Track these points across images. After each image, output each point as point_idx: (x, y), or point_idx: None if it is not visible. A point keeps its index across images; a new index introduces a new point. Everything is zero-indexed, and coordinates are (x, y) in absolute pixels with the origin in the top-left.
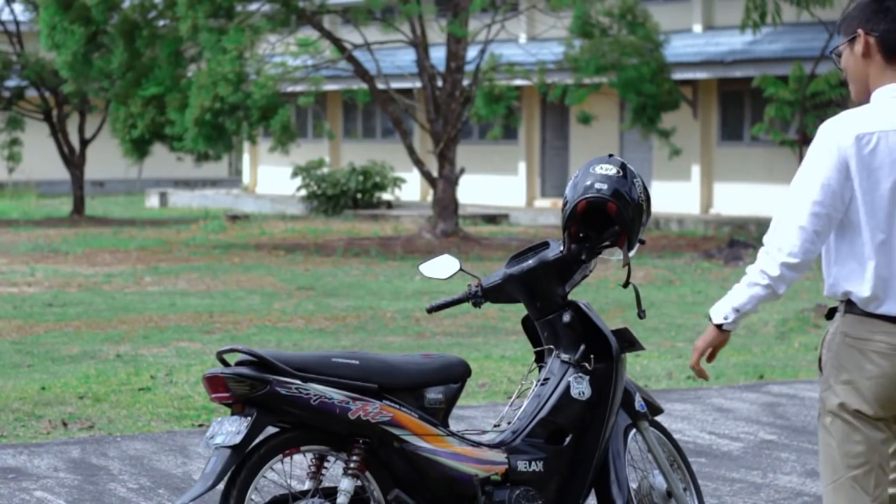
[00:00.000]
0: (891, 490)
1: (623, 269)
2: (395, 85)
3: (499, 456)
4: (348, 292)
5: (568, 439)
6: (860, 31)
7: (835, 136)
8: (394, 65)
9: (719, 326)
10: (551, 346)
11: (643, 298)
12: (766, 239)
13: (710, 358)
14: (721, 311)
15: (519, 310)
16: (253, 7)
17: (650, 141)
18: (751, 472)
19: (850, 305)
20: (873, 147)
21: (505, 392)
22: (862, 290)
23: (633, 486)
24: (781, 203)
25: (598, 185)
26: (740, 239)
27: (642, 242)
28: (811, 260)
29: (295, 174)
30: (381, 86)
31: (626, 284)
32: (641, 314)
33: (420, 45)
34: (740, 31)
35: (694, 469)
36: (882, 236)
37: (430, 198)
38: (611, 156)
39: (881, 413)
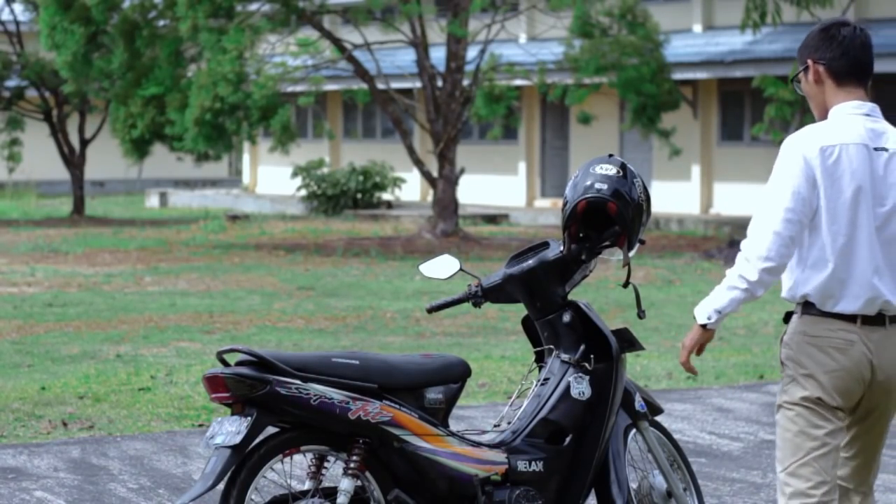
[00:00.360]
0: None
1: (623, 269)
2: (395, 85)
3: (499, 456)
4: (348, 292)
5: (568, 439)
6: (809, 60)
7: (801, 148)
8: (394, 65)
9: (703, 326)
10: (551, 346)
11: (643, 298)
12: (743, 245)
13: (699, 352)
14: (704, 312)
15: (519, 310)
16: (253, 7)
17: (650, 141)
18: (751, 472)
19: (807, 307)
20: (836, 158)
21: (505, 392)
22: (820, 290)
23: (633, 486)
24: (756, 211)
25: (598, 185)
26: (740, 239)
27: (642, 242)
28: (786, 263)
29: (295, 174)
30: (381, 86)
31: (626, 284)
32: (641, 314)
33: (420, 45)
34: (740, 31)
35: (694, 469)
36: (843, 240)
37: (430, 198)
38: (611, 156)
39: (840, 403)
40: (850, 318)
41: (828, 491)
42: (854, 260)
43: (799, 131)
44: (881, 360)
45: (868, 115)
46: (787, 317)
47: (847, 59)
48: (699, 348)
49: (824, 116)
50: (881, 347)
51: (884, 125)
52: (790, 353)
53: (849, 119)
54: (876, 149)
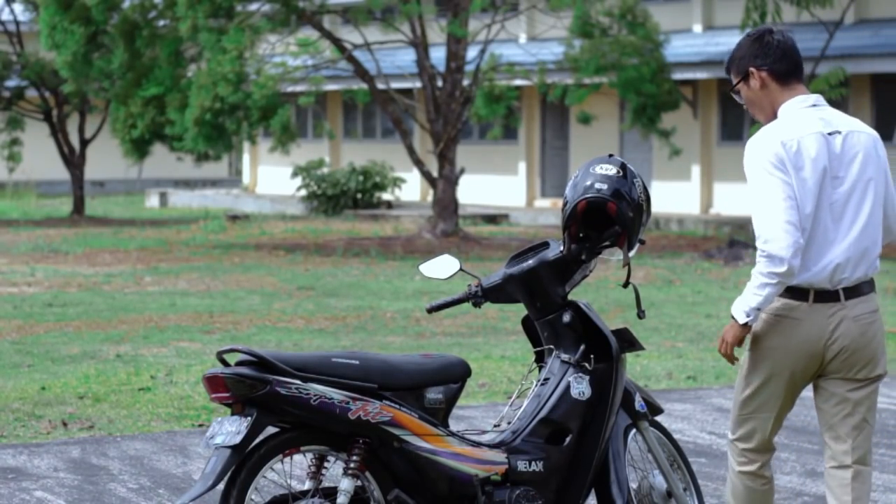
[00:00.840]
0: (827, 436)
1: (623, 269)
2: (395, 85)
3: (499, 456)
4: (348, 292)
5: (568, 439)
6: (751, 69)
7: (766, 145)
8: (394, 65)
9: (745, 324)
10: (551, 346)
11: (643, 298)
12: (759, 244)
13: (740, 345)
14: (743, 311)
15: (519, 310)
16: (253, 7)
17: (650, 141)
18: None
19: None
20: (797, 150)
21: (505, 392)
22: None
23: (633, 486)
24: (756, 212)
25: (598, 185)
26: (740, 239)
27: (642, 242)
28: (802, 246)
29: (295, 174)
30: (381, 86)
31: (625, 284)
32: (641, 314)
33: (420, 45)
34: (740, 31)
35: (694, 469)
36: (808, 223)
37: (430, 198)
38: (611, 156)
39: (788, 376)
40: (803, 295)
41: (767, 439)
42: (816, 240)
43: (757, 133)
44: (834, 335)
45: (815, 105)
46: None
47: (787, 61)
48: (740, 342)
49: (773, 117)
50: (835, 322)
51: (831, 111)
52: (753, 325)
53: (800, 113)
54: (829, 133)
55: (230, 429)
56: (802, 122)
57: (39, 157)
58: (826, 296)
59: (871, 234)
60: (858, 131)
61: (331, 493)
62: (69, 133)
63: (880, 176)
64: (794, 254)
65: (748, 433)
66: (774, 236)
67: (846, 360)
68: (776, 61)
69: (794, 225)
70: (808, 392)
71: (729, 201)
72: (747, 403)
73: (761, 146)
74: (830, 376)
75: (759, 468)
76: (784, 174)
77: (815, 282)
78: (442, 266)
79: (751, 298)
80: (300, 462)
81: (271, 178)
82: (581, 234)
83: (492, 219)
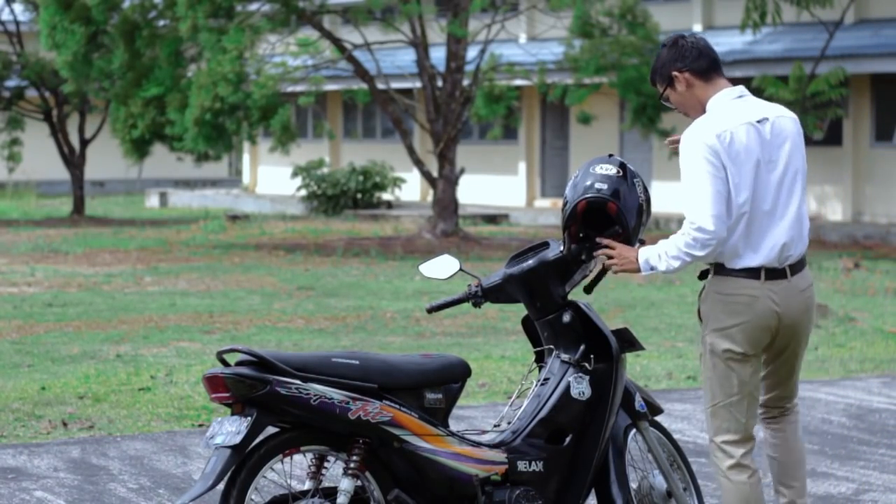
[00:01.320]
0: (763, 397)
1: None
2: (395, 85)
3: (499, 456)
4: (348, 292)
5: (568, 439)
6: (674, 73)
7: (701, 138)
8: (394, 65)
9: (638, 271)
10: (551, 346)
11: (643, 298)
12: (688, 228)
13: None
14: (647, 263)
15: (519, 310)
16: (253, 7)
17: (650, 141)
18: None
19: (718, 267)
20: (730, 140)
21: (505, 392)
22: (730, 251)
23: (633, 486)
24: (689, 201)
25: (598, 185)
26: None
27: (642, 242)
28: (724, 239)
29: (295, 174)
30: (381, 86)
31: (589, 289)
32: (589, 289)
33: (420, 45)
34: (740, 31)
35: (694, 469)
36: (747, 208)
37: (430, 198)
38: (611, 156)
39: (750, 352)
40: (755, 274)
41: (743, 427)
42: (760, 223)
43: (692, 126)
44: (786, 309)
45: (740, 96)
46: (703, 275)
47: (705, 59)
48: (621, 270)
49: (702, 112)
50: (785, 297)
51: (756, 100)
52: (706, 310)
53: (728, 105)
54: (758, 121)
55: (230, 429)
56: (733, 114)
57: (39, 157)
58: (775, 273)
59: (805, 211)
60: (784, 116)
61: (331, 493)
62: (69, 133)
63: (802, 156)
64: (715, 245)
65: (725, 425)
66: (704, 223)
67: (794, 334)
68: (694, 60)
69: (722, 218)
70: (807, 392)
71: None
72: (718, 392)
73: (697, 139)
74: (772, 350)
75: (742, 457)
76: (717, 167)
77: (765, 262)
78: (442, 266)
79: (659, 262)
80: (300, 462)
81: (271, 178)
82: (581, 234)
83: (492, 219)
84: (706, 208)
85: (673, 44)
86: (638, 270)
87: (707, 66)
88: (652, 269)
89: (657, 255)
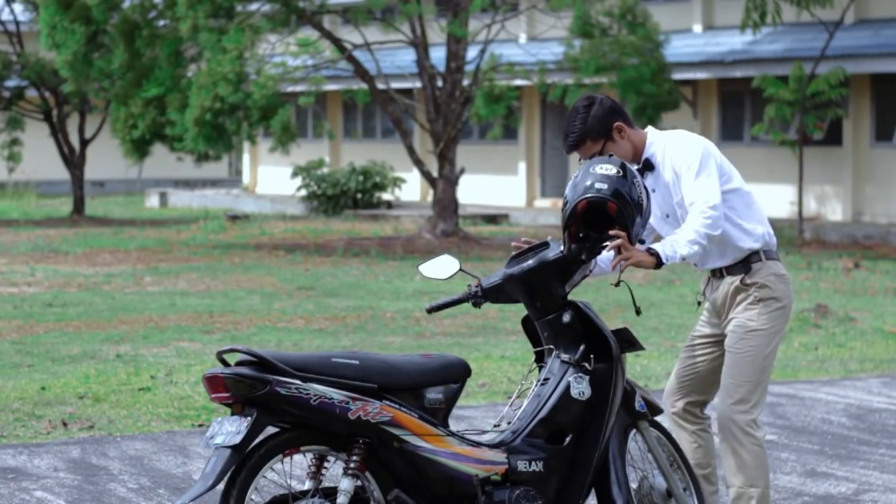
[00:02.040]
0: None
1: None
2: (395, 85)
3: (499, 456)
4: (348, 292)
5: (568, 439)
6: (619, 124)
7: (702, 141)
8: (394, 65)
9: (660, 264)
10: (551, 346)
11: (643, 298)
12: (704, 207)
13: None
14: (666, 254)
15: (519, 310)
16: (253, 7)
17: None
18: None
19: (768, 252)
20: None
21: (505, 392)
22: (769, 237)
23: (633, 486)
24: (703, 184)
25: (598, 185)
26: None
27: (642, 242)
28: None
29: (295, 174)
30: (381, 86)
31: (617, 283)
32: (638, 311)
33: (420, 45)
34: (740, 31)
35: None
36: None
37: (430, 198)
38: (611, 156)
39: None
40: (779, 256)
41: None
42: (756, 213)
43: (685, 133)
44: None
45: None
46: (717, 273)
47: (624, 111)
48: (637, 266)
49: (639, 153)
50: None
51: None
52: (763, 294)
53: (673, 132)
54: None
55: (230, 429)
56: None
57: (39, 157)
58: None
59: None
60: None
61: (331, 493)
62: (69, 133)
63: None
64: (721, 225)
65: (762, 400)
66: (717, 206)
67: None
68: (621, 113)
69: (722, 207)
70: (808, 392)
71: None
72: (767, 369)
73: (699, 140)
74: None
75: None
76: (716, 165)
77: (774, 245)
78: (442, 266)
79: (685, 248)
80: (300, 462)
81: (271, 178)
82: (581, 234)
83: (492, 219)
84: (717, 195)
85: (590, 104)
86: (651, 264)
87: (628, 116)
88: (668, 259)
89: (670, 245)
